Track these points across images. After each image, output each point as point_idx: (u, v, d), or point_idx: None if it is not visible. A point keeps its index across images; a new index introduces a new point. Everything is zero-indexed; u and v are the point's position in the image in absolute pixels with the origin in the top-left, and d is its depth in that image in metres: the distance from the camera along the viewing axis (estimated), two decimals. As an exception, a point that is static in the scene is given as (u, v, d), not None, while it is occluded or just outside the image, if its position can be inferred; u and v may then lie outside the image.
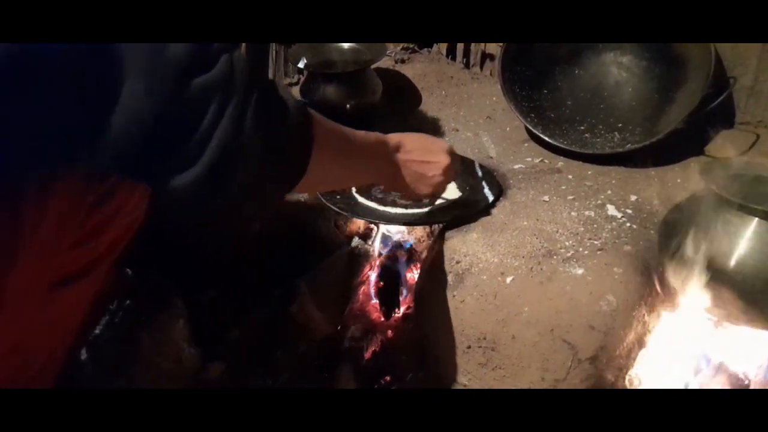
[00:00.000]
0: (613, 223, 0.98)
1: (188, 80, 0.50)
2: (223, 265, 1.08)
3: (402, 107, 1.46)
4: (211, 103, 0.52)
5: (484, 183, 1.09)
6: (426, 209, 1.04)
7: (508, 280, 0.89)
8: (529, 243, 0.94)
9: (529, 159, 1.21)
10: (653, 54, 1.25)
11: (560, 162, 1.19)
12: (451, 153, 0.91)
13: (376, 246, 1.22)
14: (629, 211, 1.02)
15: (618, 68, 1.30)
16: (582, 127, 1.27)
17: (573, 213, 1.01)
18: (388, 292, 1.17)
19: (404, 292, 1.17)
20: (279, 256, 1.12)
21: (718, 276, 0.78)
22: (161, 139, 0.50)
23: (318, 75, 1.36)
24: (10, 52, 0.45)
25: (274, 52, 1.51)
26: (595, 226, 0.98)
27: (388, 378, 1.05)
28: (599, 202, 1.04)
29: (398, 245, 1.21)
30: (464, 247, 0.95)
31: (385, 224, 1.16)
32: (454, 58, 1.65)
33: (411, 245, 1.20)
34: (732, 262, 0.77)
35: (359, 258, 1.20)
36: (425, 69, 1.59)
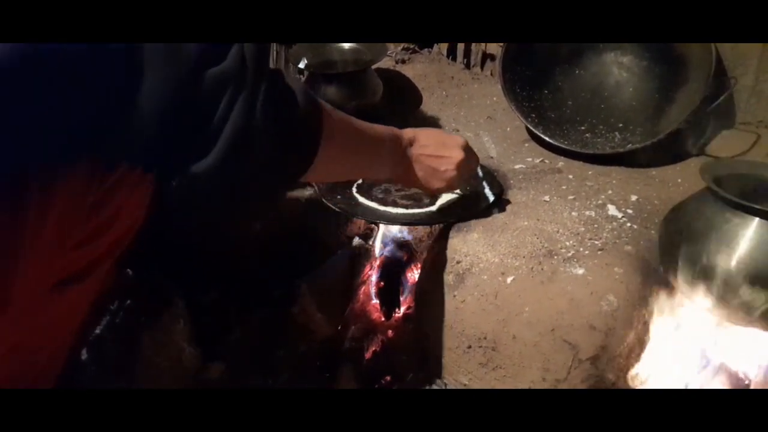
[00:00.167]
0: (614, 223, 0.98)
1: (202, 72, 0.52)
2: (225, 265, 1.08)
3: (403, 108, 1.46)
4: (224, 93, 0.53)
5: (484, 183, 1.09)
6: (426, 209, 1.04)
7: (509, 280, 0.89)
8: (530, 243, 0.94)
9: (530, 159, 1.21)
10: (654, 54, 1.25)
11: (561, 162, 1.19)
12: (466, 149, 0.91)
13: (376, 246, 1.22)
14: (630, 211, 1.02)
15: (619, 68, 1.30)
16: (583, 127, 1.27)
17: (574, 213, 1.01)
18: (389, 293, 1.17)
19: (405, 292, 1.17)
20: (280, 257, 1.12)
21: (718, 276, 0.78)
22: (179, 129, 0.52)
23: (318, 75, 1.36)
24: (31, 51, 0.47)
25: (274, 52, 1.51)
26: (595, 226, 0.98)
27: (388, 378, 1.05)
28: (600, 202, 1.04)
29: (399, 245, 1.21)
30: (465, 247, 0.95)
31: (385, 224, 1.16)
32: (454, 59, 1.65)
33: (411, 245, 1.20)
34: (733, 262, 0.77)
35: (360, 258, 1.20)
36: (426, 69, 1.59)
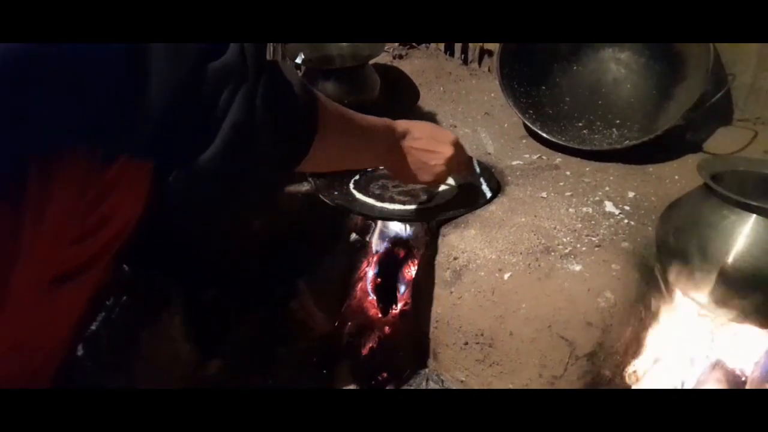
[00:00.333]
0: (611, 220, 0.98)
1: (203, 67, 0.54)
2: (223, 262, 1.08)
3: (400, 103, 1.46)
4: (225, 86, 0.55)
5: (482, 179, 1.09)
6: (424, 206, 1.04)
7: (506, 276, 0.89)
8: (527, 239, 0.94)
9: (527, 155, 1.21)
10: (652, 51, 1.25)
11: (558, 158, 1.19)
12: (456, 144, 0.93)
13: (373, 242, 1.22)
14: (627, 208, 1.02)
15: (617, 65, 1.30)
16: (580, 124, 1.27)
17: (571, 209, 1.01)
18: (386, 289, 1.17)
19: (402, 288, 1.17)
20: (278, 254, 1.12)
21: (715, 272, 0.78)
22: (181, 122, 0.54)
23: (316, 71, 1.35)
24: (38, 49, 0.48)
25: (271, 47, 1.51)
26: (592, 222, 0.98)
27: (385, 374, 1.05)
28: (597, 198, 1.04)
29: (396, 242, 1.21)
30: (462, 243, 0.95)
31: (383, 220, 1.16)
32: (452, 54, 1.65)
33: (409, 242, 1.20)
34: (730, 259, 0.77)
35: (357, 254, 1.20)
36: (423, 65, 1.58)
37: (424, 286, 0.99)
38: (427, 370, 1.01)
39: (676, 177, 1.11)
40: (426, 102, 1.47)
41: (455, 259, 0.94)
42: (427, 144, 0.90)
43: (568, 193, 1.06)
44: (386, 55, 1.58)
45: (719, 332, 0.90)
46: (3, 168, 0.50)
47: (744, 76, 1.20)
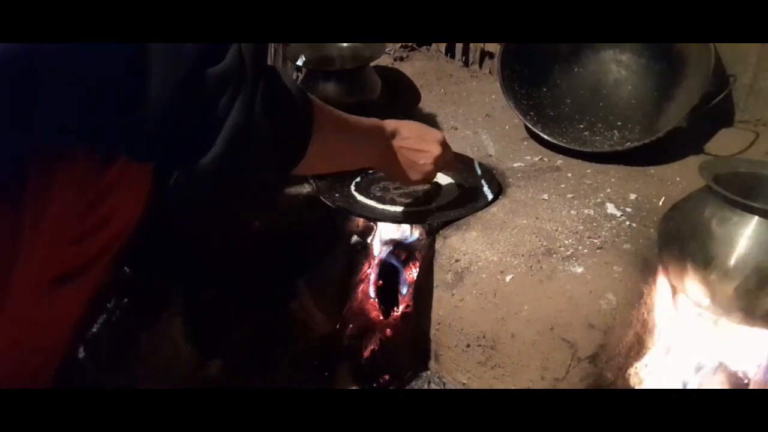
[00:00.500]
0: (613, 222, 0.98)
1: (203, 71, 0.54)
2: (223, 263, 1.07)
3: (401, 105, 1.46)
4: (225, 90, 0.55)
5: (483, 181, 1.08)
6: (425, 207, 1.03)
7: (508, 278, 0.89)
8: (529, 241, 0.94)
9: (529, 157, 1.21)
10: (653, 52, 1.25)
11: (559, 160, 1.19)
12: (443, 144, 0.94)
13: (375, 244, 1.22)
14: (629, 210, 1.01)
15: (617, 66, 1.30)
16: (581, 126, 1.27)
17: (572, 211, 1.01)
18: (387, 291, 1.17)
19: (403, 290, 1.17)
20: (278, 255, 1.11)
21: (717, 274, 0.78)
22: (181, 125, 0.54)
23: (317, 72, 1.35)
24: (40, 50, 0.48)
25: (272, 49, 1.51)
26: (594, 224, 0.97)
27: (386, 376, 1.05)
28: (599, 200, 1.04)
29: (397, 244, 1.20)
30: (463, 245, 0.95)
31: (384, 222, 1.16)
32: (453, 56, 1.65)
33: (410, 244, 1.20)
34: (732, 261, 0.77)
35: (358, 256, 1.19)
36: (424, 67, 1.58)
37: (425, 288, 0.99)
38: (428, 372, 1.01)
39: (678, 178, 1.11)
40: (427, 104, 1.46)
41: (457, 261, 0.94)
42: (415, 143, 0.91)
43: (570, 195, 1.06)
44: (387, 56, 1.58)
45: (722, 334, 0.89)
46: (3, 168, 0.49)
47: (745, 77, 1.20)
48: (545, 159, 1.20)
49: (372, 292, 1.17)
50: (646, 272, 0.89)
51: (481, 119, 1.39)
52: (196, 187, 0.61)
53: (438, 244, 0.98)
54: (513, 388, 0.89)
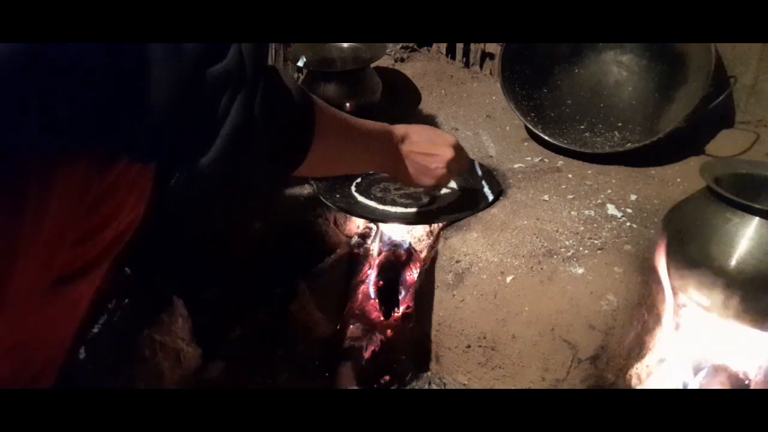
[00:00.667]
0: (614, 223, 0.98)
1: (203, 70, 0.54)
2: (224, 264, 1.08)
3: (402, 106, 1.46)
4: (224, 90, 0.55)
5: (483, 182, 1.09)
6: (425, 208, 1.04)
7: (508, 279, 0.89)
8: (529, 242, 0.94)
9: (529, 158, 1.21)
10: (653, 53, 1.25)
11: (560, 161, 1.19)
12: (456, 147, 0.93)
13: (375, 245, 1.22)
14: (629, 211, 1.01)
15: (618, 67, 1.30)
16: (582, 126, 1.27)
17: (573, 212, 1.01)
18: (388, 292, 1.17)
19: (404, 291, 1.17)
20: (279, 256, 1.11)
21: (718, 275, 0.78)
22: (180, 126, 0.54)
23: (317, 74, 1.35)
24: (39, 50, 0.47)
25: (273, 50, 1.51)
26: (595, 225, 0.98)
27: (387, 377, 1.05)
28: (599, 201, 1.04)
29: (398, 244, 1.21)
30: (464, 246, 0.95)
31: (385, 223, 1.16)
32: (453, 57, 1.65)
33: (410, 244, 1.20)
34: (733, 262, 0.77)
35: (359, 257, 1.19)
36: (425, 68, 1.58)
37: (426, 289, 0.99)
38: (429, 373, 1.01)
39: (678, 179, 1.11)
40: (427, 105, 1.47)
41: (457, 262, 0.94)
42: (426, 147, 0.90)
43: (570, 196, 1.06)
44: (387, 58, 1.58)
45: (722, 335, 0.89)
46: (4, 169, 0.49)
47: (745, 79, 1.20)
48: (546, 160, 1.20)
49: (372, 293, 1.17)
50: (647, 273, 0.89)
51: (482, 120, 1.39)
52: (196, 188, 0.61)
53: (438, 245, 0.98)
54: (514, 388, 0.89)
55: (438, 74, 1.57)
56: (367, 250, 1.21)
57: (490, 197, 1.04)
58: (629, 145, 1.17)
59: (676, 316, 0.92)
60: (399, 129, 0.88)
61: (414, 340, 1.05)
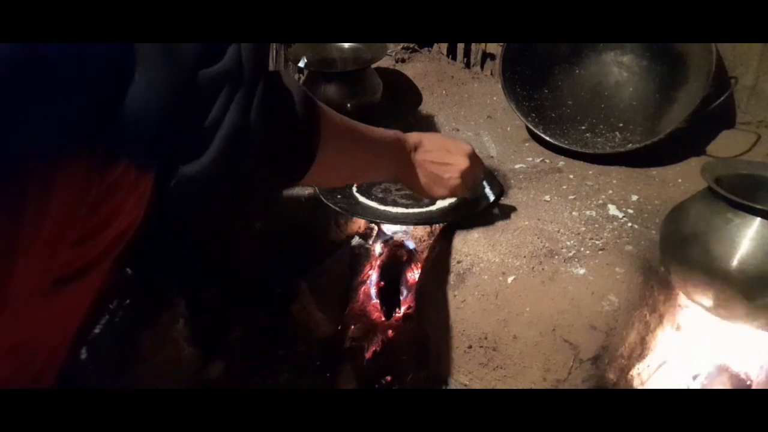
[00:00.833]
0: (615, 223, 0.98)
1: (198, 70, 0.52)
2: (225, 264, 1.07)
3: (402, 107, 1.46)
4: (220, 92, 0.53)
5: (485, 183, 1.08)
6: (427, 209, 1.03)
7: (510, 279, 0.89)
8: (531, 243, 0.94)
9: (530, 159, 1.21)
10: (654, 53, 1.25)
11: (561, 162, 1.19)
12: (472, 156, 0.90)
13: (376, 246, 1.22)
14: (631, 211, 1.01)
15: (619, 68, 1.30)
16: (583, 127, 1.27)
17: (574, 213, 1.01)
18: (389, 292, 1.17)
19: (405, 291, 1.17)
20: (280, 256, 1.11)
21: (720, 276, 0.78)
22: (173, 127, 0.51)
23: (318, 74, 1.35)
24: (18, 50, 0.46)
25: (274, 51, 1.51)
26: (596, 225, 0.98)
27: (388, 378, 1.05)
28: (600, 201, 1.04)
29: (399, 245, 1.21)
30: (465, 246, 0.95)
31: (385, 224, 1.16)
32: (454, 58, 1.65)
33: (412, 245, 1.20)
34: (734, 262, 0.77)
35: (360, 258, 1.19)
36: (426, 68, 1.58)
37: (427, 290, 0.99)
38: (430, 373, 1.01)
39: (679, 180, 1.11)
40: (428, 105, 1.47)
41: (458, 262, 0.94)
42: (439, 156, 0.87)
43: (572, 197, 1.06)
44: (388, 58, 1.58)
45: (724, 335, 0.89)
46: (3, 169, 0.49)
47: (746, 79, 1.20)
48: (547, 160, 1.20)
49: (374, 294, 1.17)
50: (648, 274, 0.89)
51: (483, 121, 1.39)
52: (194, 194, 0.59)
53: (439, 246, 0.98)
54: (515, 389, 0.89)
55: (439, 75, 1.57)
56: (368, 250, 1.22)
57: (491, 197, 1.04)
58: (630, 145, 1.17)
59: (677, 317, 0.92)
60: (412, 137, 0.86)
61: (415, 340, 1.05)
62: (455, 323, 0.92)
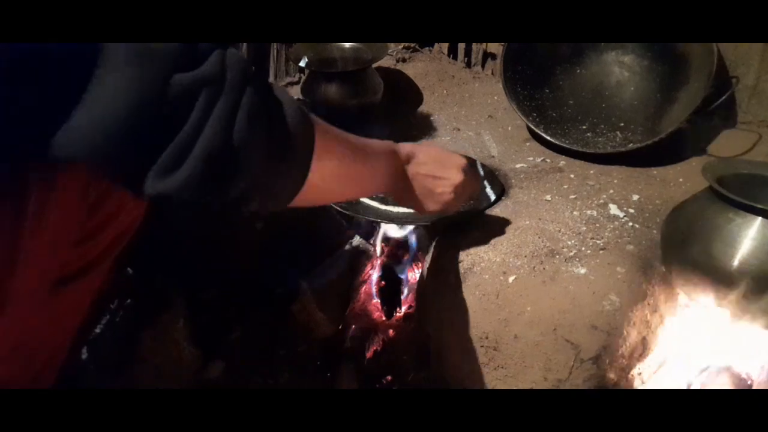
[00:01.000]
0: (616, 223, 0.98)
1: (172, 75, 0.46)
2: (225, 264, 1.07)
3: (403, 106, 1.46)
4: (195, 101, 0.47)
5: (486, 182, 1.08)
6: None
7: (511, 279, 0.89)
8: (532, 242, 0.93)
9: (531, 158, 1.21)
10: (655, 53, 1.25)
11: (562, 161, 1.19)
12: (466, 170, 0.85)
13: (377, 245, 1.22)
14: (632, 211, 1.01)
15: (620, 67, 1.30)
16: (584, 127, 1.26)
17: (575, 212, 1.01)
18: (390, 292, 1.17)
19: (405, 291, 1.16)
20: (281, 255, 1.11)
21: (720, 275, 0.78)
22: (140, 136, 0.46)
23: (319, 74, 1.35)
24: None
25: (274, 51, 1.51)
26: (597, 225, 0.97)
27: (389, 378, 1.05)
28: (601, 201, 1.04)
29: (399, 245, 1.20)
30: (466, 246, 0.95)
31: (386, 223, 1.16)
32: (455, 57, 1.65)
33: (413, 244, 1.20)
34: (735, 262, 0.76)
35: (361, 257, 1.19)
36: (426, 68, 1.58)
37: (427, 289, 0.99)
38: (430, 373, 1.01)
39: (680, 180, 1.11)
40: (429, 105, 1.46)
41: (459, 262, 0.94)
42: (433, 170, 0.82)
43: (573, 196, 1.05)
44: (389, 58, 1.58)
45: (725, 335, 0.89)
46: (4, 169, 0.49)
47: (747, 79, 1.20)
48: (548, 160, 1.20)
49: (374, 293, 1.17)
50: (649, 273, 0.89)
51: (484, 120, 1.38)
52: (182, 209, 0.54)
53: (440, 245, 0.98)
54: (516, 389, 0.88)
55: (440, 74, 1.57)
56: (369, 249, 1.21)
57: (492, 197, 1.04)
58: (631, 145, 1.17)
59: (678, 317, 0.91)
60: (404, 147, 0.81)
61: (416, 340, 1.05)
62: (456, 323, 0.92)
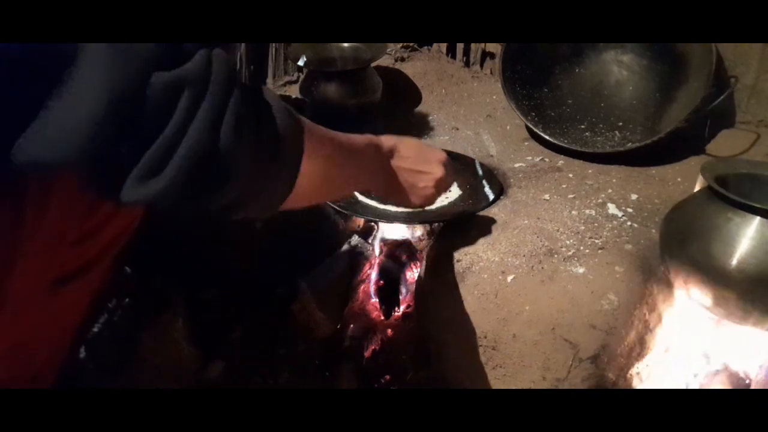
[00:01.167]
0: (614, 222, 0.98)
1: (151, 72, 0.43)
2: (225, 263, 1.07)
3: (402, 106, 1.46)
4: (177, 102, 0.44)
5: (484, 182, 1.08)
6: (426, 208, 1.03)
7: (509, 278, 0.89)
8: (530, 242, 0.94)
9: (530, 158, 1.21)
10: (654, 53, 1.25)
11: (561, 161, 1.19)
12: (446, 164, 0.87)
13: (376, 245, 1.22)
14: (630, 210, 1.01)
15: (619, 67, 1.30)
16: (582, 126, 1.27)
17: (574, 212, 1.01)
18: (388, 291, 1.17)
19: (404, 291, 1.17)
20: (280, 255, 1.11)
21: (719, 275, 0.78)
22: (115, 138, 0.43)
23: (318, 73, 1.35)
24: None
25: (273, 50, 1.51)
26: (596, 224, 0.97)
27: (388, 377, 1.05)
28: (600, 200, 1.04)
29: (398, 244, 1.21)
30: (464, 245, 0.95)
31: (385, 223, 1.16)
32: (454, 57, 1.65)
33: (411, 244, 1.20)
34: (734, 262, 0.76)
35: (359, 257, 1.19)
36: (425, 67, 1.58)
37: (426, 289, 0.99)
38: (429, 372, 1.01)
39: (679, 179, 1.11)
40: (428, 104, 1.47)
41: (458, 261, 0.94)
42: (416, 164, 0.82)
43: (571, 196, 1.06)
44: (388, 57, 1.58)
45: (723, 335, 0.89)
46: (3, 169, 0.49)
47: (746, 79, 1.20)
48: (546, 159, 1.20)
49: (373, 293, 1.17)
50: (648, 273, 0.89)
51: (483, 120, 1.39)
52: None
53: (439, 245, 0.98)
54: (514, 388, 0.89)
55: (438, 74, 1.57)
56: (368, 249, 1.21)
57: (491, 196, 1.04)
58: (630, 144, 1.17)
59: (676, 316, 0.91)
60: (386, 141, 0.80)
61: (414, 339, 1.05)
62: (454, 322, 0.92)
